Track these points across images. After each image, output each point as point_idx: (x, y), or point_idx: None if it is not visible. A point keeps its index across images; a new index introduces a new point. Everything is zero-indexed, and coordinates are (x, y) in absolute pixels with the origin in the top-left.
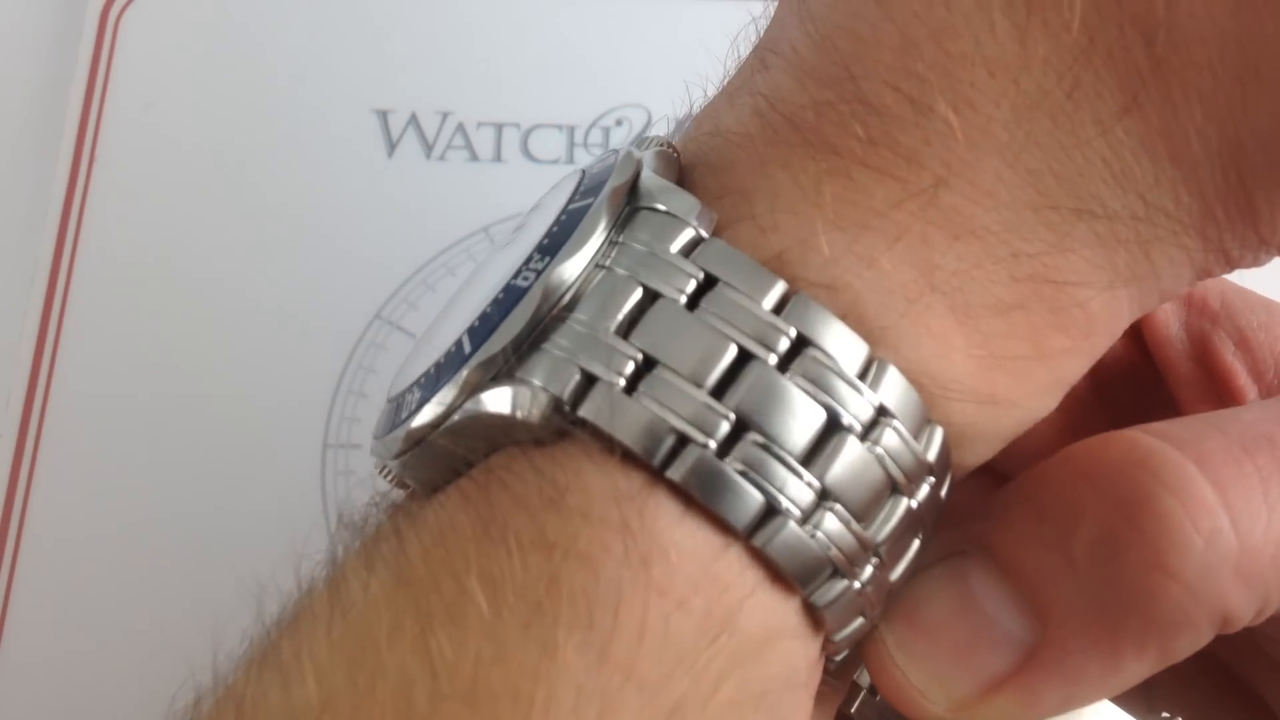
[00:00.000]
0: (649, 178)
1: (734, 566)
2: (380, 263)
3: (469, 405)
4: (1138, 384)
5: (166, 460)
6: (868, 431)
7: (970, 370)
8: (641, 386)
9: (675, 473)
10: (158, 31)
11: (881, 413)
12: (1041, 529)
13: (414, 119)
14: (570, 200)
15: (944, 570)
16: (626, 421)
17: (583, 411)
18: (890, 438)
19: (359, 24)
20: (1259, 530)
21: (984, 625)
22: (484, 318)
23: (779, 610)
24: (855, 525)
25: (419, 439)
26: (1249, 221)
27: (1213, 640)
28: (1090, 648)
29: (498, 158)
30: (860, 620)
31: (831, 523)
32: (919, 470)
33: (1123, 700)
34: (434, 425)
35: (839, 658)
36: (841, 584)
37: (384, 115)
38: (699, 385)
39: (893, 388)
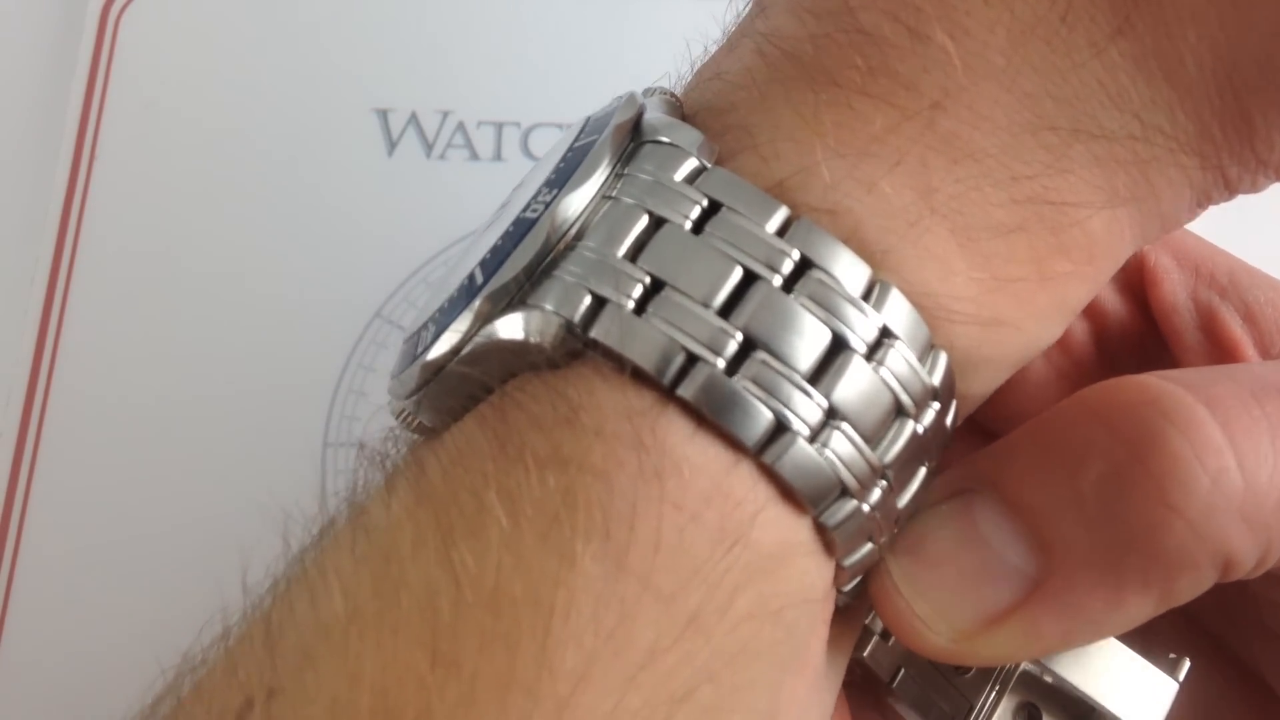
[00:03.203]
0: (653, 115)
1: (745, 481)
2: (380, 262)
3: (483, 333)
4: (1144, 352)
5: (166, 459)
6: (872, 352)
7: (972, 292)
8: (650, 307)
9: (686, 390)
10: (158, 31)
11: (885, 334)
12: (1050, 465)
13: (414, 118)
14: (575, 140)
15: (951, 506)
16: (636, 341)
17: (594, 333)
18: (895, 359)
19: (359, 24)
20: (1265, 474)
21: (989, 559)
22: (495, 250)
23: (791, 526)
24: (863, 446)
25: (437, 369)
26: (1245, 140)
27: (1211, 613)
28: (1093, 582)
29: (498, 157)
30: (869, 546)
31: (840, 442)
32: (924, 393)
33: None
34: (450, 355)
35: (848, 588)
36: (850, 504)
37: (384, 115)
38: (707, 306)
39: (896, 309)
